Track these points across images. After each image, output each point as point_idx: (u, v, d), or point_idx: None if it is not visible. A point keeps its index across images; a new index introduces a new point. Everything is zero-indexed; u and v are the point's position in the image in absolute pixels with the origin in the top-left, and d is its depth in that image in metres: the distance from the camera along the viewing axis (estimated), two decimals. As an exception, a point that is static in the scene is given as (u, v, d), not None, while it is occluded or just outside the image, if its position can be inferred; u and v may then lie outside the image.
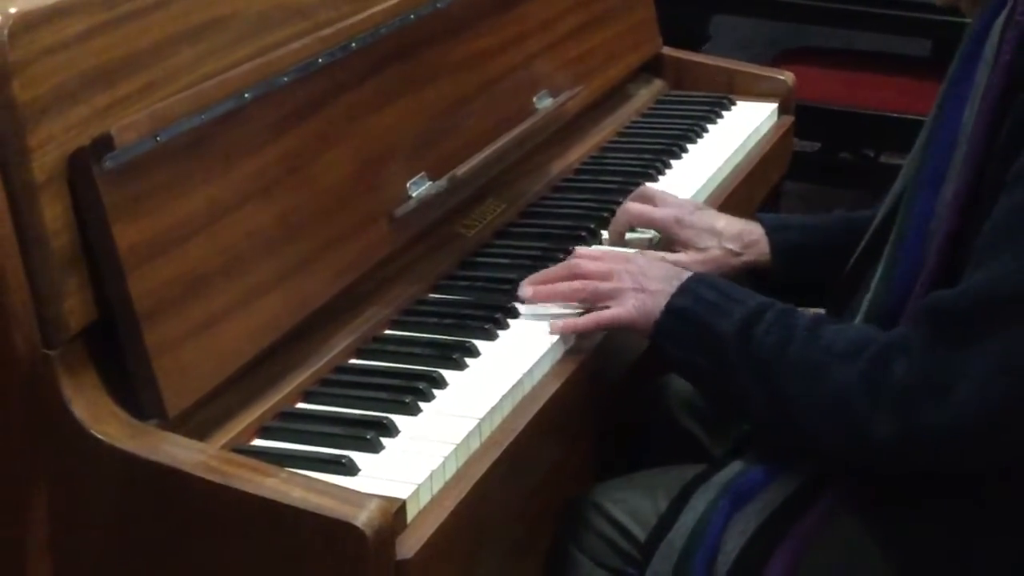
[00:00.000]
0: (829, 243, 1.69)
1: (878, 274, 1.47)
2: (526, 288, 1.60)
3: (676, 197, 1.82)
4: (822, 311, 1.55)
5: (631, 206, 1.77)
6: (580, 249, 1.66)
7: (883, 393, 1.32)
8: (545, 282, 1.60)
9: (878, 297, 1.45)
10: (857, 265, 1.55)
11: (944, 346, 1.30)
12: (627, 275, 1.53)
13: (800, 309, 1.46)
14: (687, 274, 1.52)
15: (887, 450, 1.34)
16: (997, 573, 1.39)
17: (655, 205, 1.77)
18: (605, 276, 1.55)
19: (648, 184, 1.89)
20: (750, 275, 1.72)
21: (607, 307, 1.53)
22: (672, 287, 1.49)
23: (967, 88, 1.40)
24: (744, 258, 1.72)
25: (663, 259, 1.66)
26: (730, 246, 1.72)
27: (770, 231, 1.73)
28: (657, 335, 1.49)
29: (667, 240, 1.75)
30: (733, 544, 1.42)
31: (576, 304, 1.58)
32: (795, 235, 1.73)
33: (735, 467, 1.49)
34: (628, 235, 1.79)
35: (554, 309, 1.59)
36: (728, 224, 1.74)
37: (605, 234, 1.82)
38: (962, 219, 1.36)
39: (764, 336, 1.41)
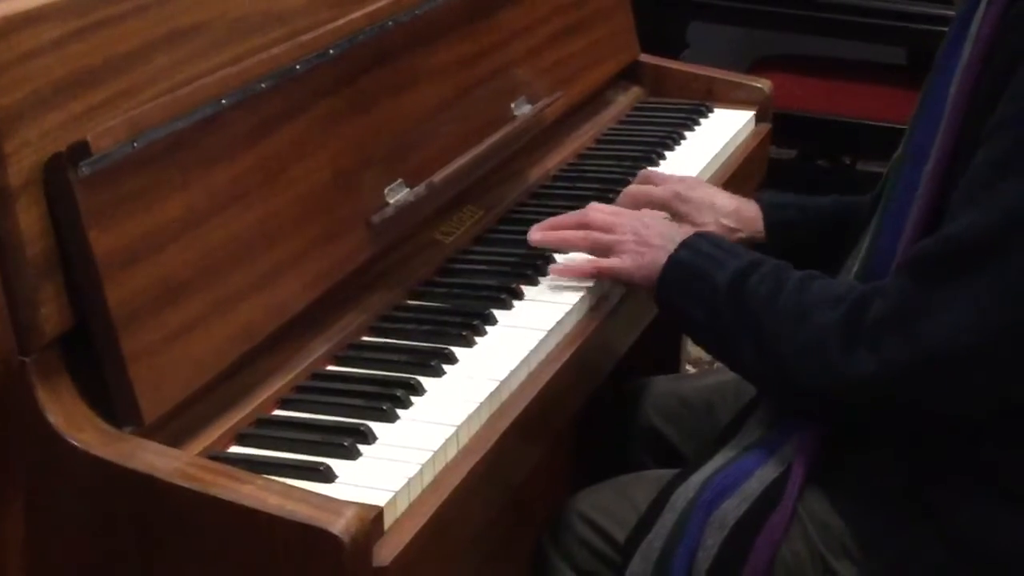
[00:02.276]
0: (823, 223, 1.74)
1: (865, 244, 1.51)
2: (535, 233, 1.68)
3: (677, 176, 1.87)
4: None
5: (632, 187, 1.82)
6: (592, 204, 1.71)
7: (858, 331, 1.38)
8: (553, 228, 1.67)
9: (864, 265, 1.49)
10: (847, 241, 1.59)
11: (917, 287, 1.36)
12: (630, 230, 1.60)
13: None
14: (690, 231, 1.58)
15: (864, 387, 1.38)
16: (957, 544, 1.42)
17: (656, 185, 1.82)
18: (610, 228, 1.62)
19: (650, 168, 1.92)
20: None
21: (609, 258, 1.61)
22: (674, 243, 1.55)
23: (953, 68, 1.44)
24: (740, 234, 1.76)
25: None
26: (727, 222, 1.76)
27: (766, 208, 1.78)
28: (658, 287, 1.55)
29: (669, 216, 1.79)
30: (713, 540, 1.43)
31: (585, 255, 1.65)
32: (790, 213, 1.78)
33: (712, 465, 1.50)
34: None
35: (542, 306, 1.62)
36: (726, 200, 1.79)
37: None
38: (942, 185, 1.41)
39: (757, 286, 1.47)
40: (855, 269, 1.52)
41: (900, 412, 1.41)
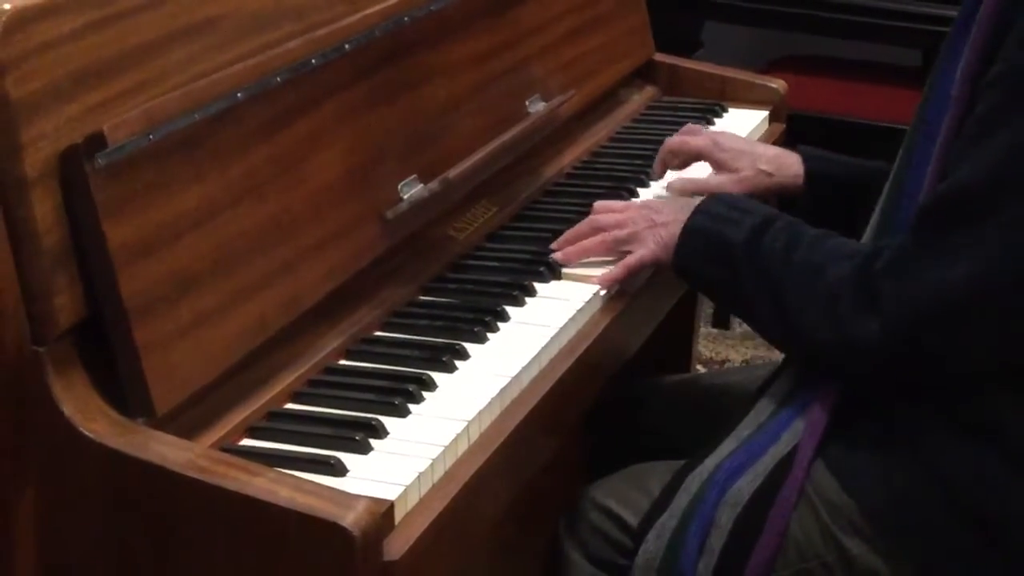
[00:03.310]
0: (863, 181, 1.74)
1: (876, 213, 1.53)
2: (557, 255, 1.70)
3: (716, 129, 1.94)
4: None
5: (671, 140, 1.88)
6: (598, 204, 1.75)
7: (865, 289, 1.41)
8: (570, 241, 1.70)
9: (877, 231, 1.52)
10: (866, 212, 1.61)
11: (914, 243, 1.40)
12: (640, 218, 1.64)
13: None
14: (700, 199, 1.61)
15: (869, 347, 1.41)
16: (966, 516, 1.43)
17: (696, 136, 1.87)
18: (621, 224, 1.66)
19: (691, 124, 1.98)
20: (781, 200, 1.78)
21: (631, 252, 1.64)
22: (686, 214, 1.58)
23: (961, 47, 1.45)
24: (777, 179, 1.79)
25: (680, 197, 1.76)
26: (764, 167, 1.80)
27: (807, 158, 1.80)
28: (677, 257, 1.58)
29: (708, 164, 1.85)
30: (727, 517, 1.44)
31: (609, 256, 1.68)
32: (831, 167, 1.80)
33: (725, 448, 1.51)
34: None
35: (548, 310, 1.61)
36: (765, 148, 1.84)
37: None
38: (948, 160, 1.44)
39: (772, 243, 1.50)
40: (868, 233, 1.54)
41: (907, 370, 1.43)
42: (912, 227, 1.42)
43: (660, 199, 1.74)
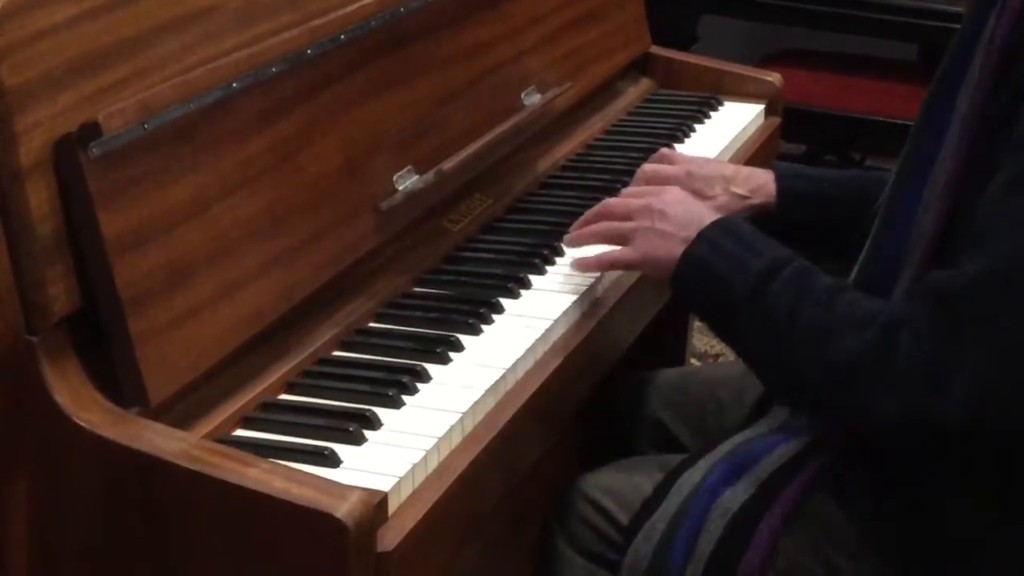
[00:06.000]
0: (836, 196, 1.72)
1: (864, 252, 1.50)
2: (566, 240, 1.70)
3: (690, 156, 1.89)
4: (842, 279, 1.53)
5: (646, 166, 1.83)
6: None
7: (887, 370, 1.33)
8: (580, 225, 1.68)
9: (865, 274, 1.48)
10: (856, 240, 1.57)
11: (946, 329, 1.31)
12: (647, 215, 1.57)
13: (819, 270, 1.46)
14: (709, 219, 1.53)
15: (887, 427, 1.35)
16: (965, 548, 1.41)
17: (671, 164, 1.83)
18: (627, 214, 1.61)
19: (664, 149, 1.93)
20: (756, 220, 1.72)
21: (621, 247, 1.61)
22: (689, 233, 1.51)
23: (960, 77, 1.41)
24: (752, 201, 1.76)
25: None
26: (737, 190, 1.77)
27: (780, 177, 1.78)
28: (674, 279, 1.53)
29: None
30: (716, 524, 1.43)
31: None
32: (803, 184, 1.77)
33: (720, 451, 1.50)
34: None
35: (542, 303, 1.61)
36: (737, 170, 1.81)
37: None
38: (956, 199, 1.37)
39: (779, 294, 1.42)
40: (853, 276, 1.50)
41: (921, 440, 1.38)
42: (940, 309, 1.31)
43: (673, 195, 1.62)
